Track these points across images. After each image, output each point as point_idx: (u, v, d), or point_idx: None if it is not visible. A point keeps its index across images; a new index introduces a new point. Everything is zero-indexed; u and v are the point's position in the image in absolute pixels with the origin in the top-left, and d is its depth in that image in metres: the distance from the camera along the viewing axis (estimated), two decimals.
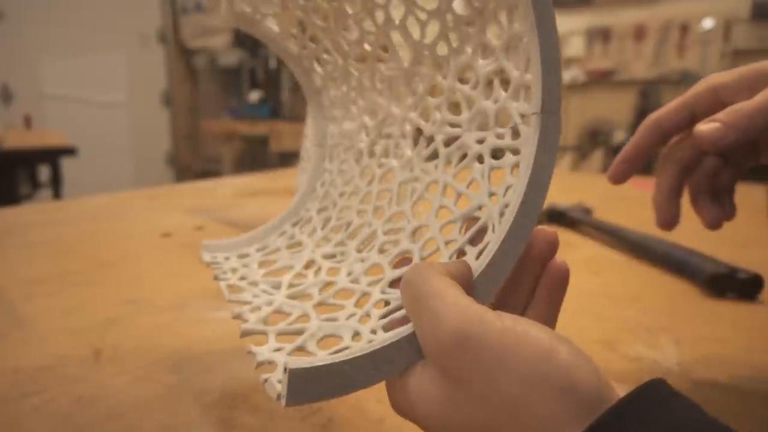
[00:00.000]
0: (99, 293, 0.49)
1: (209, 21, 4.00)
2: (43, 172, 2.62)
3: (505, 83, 0.23)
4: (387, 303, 0.23)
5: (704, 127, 0.27)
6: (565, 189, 1.03)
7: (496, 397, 0.16)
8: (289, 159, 3.44)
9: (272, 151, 3.51)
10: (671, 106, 0.30)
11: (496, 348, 0.16)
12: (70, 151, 2.59)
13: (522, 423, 0.16)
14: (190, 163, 4.28)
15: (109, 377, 0.34)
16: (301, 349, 0.22)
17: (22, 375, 0.34)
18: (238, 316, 0.25)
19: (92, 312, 0.44)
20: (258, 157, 3.87)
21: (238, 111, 3.81)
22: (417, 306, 0.19)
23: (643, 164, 0.31)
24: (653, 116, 0.31)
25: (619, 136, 2.88)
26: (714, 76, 0.29)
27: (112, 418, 0.29)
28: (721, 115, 0.27)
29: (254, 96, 3.68)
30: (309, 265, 0.29)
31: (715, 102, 0.29)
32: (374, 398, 0.31)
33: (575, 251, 0.64)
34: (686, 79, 2.56)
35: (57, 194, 2.57)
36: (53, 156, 2.57)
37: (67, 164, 2.66)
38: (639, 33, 2.77)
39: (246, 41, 3.72)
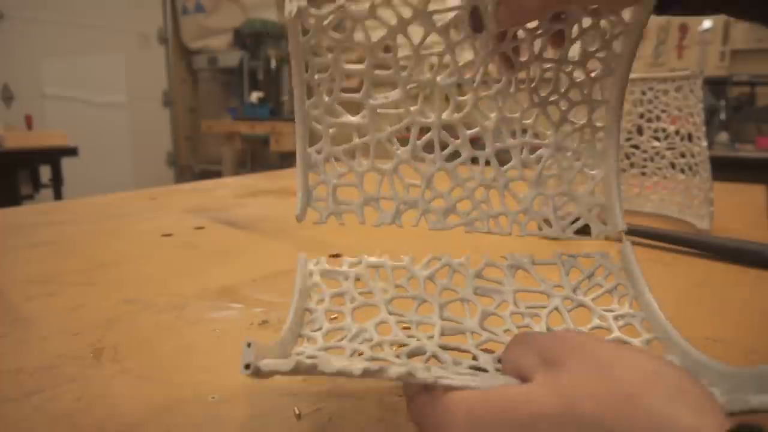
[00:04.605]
0: (99, 293, 0.49)
1: (210, 21, 4.00)
2: (44, 173, 2.62)
3: None
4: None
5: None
6: None
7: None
8: (289, 159, 3.44)
9: (272, 151, 3.51)
10: None
11: None
12: (70, 152, 2.58)
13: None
14: (191, 163, 4.28)
15: (109, 377, 0.34)
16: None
17: (23, 375, 0.34)
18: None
19: (92, 312, 0.44)
20: (258, 157, 3.87)
21: (238, 111, 3.81)
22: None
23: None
24: None
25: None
26: None
27: (112, 418, 0.29)
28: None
29: (254, 96, 3.67)
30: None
31: None
32: (374, 398, 0.31)
33: None
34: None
35: (58, 194, 2.57)
36: (54, 156, 2.57)
37: (67, 164, 2.66)
38: None
39: (246, 42, 3.72)
